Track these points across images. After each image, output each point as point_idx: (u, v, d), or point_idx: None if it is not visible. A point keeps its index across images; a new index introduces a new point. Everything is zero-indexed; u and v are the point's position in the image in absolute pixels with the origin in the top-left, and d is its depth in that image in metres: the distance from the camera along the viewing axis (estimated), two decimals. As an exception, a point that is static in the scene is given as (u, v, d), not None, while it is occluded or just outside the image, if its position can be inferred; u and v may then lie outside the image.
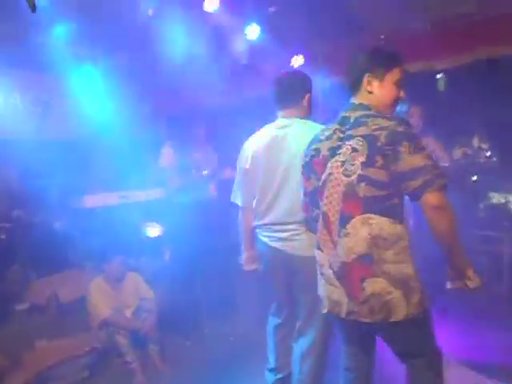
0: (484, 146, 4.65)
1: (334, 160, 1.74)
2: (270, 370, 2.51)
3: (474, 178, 4.50)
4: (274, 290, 2.46)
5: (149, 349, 3.09)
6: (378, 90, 1.80)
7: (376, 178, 1.62)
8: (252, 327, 3.48)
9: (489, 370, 2.74)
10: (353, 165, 1.66)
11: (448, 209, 1.59)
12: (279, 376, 2.47)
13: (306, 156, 1.92)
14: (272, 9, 4.36)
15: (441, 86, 4.66)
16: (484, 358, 2.94)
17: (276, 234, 2.26)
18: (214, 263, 3.74)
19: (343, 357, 1.99)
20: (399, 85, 1.81)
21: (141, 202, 4.63)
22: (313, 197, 1.87)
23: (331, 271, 1.75)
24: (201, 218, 3.54)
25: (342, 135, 1.75)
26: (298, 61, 4.96)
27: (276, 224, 2.25)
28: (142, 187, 4.79)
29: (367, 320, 1.67)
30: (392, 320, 1.63)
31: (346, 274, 1.70)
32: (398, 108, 1.91)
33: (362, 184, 1.63)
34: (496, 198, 4.30)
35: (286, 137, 2.22)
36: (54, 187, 4.75)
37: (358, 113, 1.76)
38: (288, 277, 2.31)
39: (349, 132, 1.72)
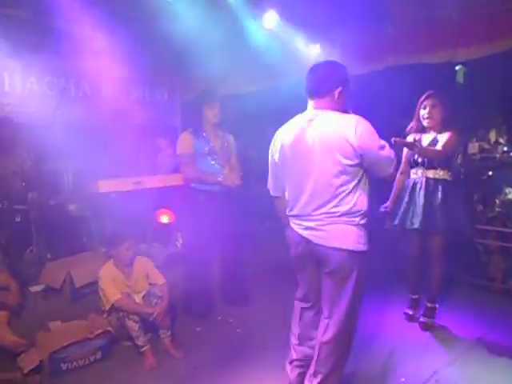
0: (501, 140, 4.56)
1: None
2: (291, 362, 2.48)
3: (490, 173, 4.42)
4: (303, 276, 2.43)
5: (160, 333, 3.13)
6: None
7: None
8: (264, 318, 3.52)
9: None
10: None
11: None
12: (301, 370, 2.43)
13: None
14: None
15: (460, 77, 4.51)
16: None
17: (304, 223, 2.24)
18: (228, 250, 3.76)
19: None
20: None
21: (154, 188, 4.65)
22: None
23: None
24: (215, 204, 3.53)
25: None
26: (314, 50, 4.86)
27: (303, 215, 2.25)
28: (156, 173, 4.81)
29: None
30: None
31: None
32: None
33: None
34: (512, 193, 4.21)
35: (312, 128, 2.17)
36: (68, 171, 4.81)
37: None
38: (316, 264, 2.30)
39: None
